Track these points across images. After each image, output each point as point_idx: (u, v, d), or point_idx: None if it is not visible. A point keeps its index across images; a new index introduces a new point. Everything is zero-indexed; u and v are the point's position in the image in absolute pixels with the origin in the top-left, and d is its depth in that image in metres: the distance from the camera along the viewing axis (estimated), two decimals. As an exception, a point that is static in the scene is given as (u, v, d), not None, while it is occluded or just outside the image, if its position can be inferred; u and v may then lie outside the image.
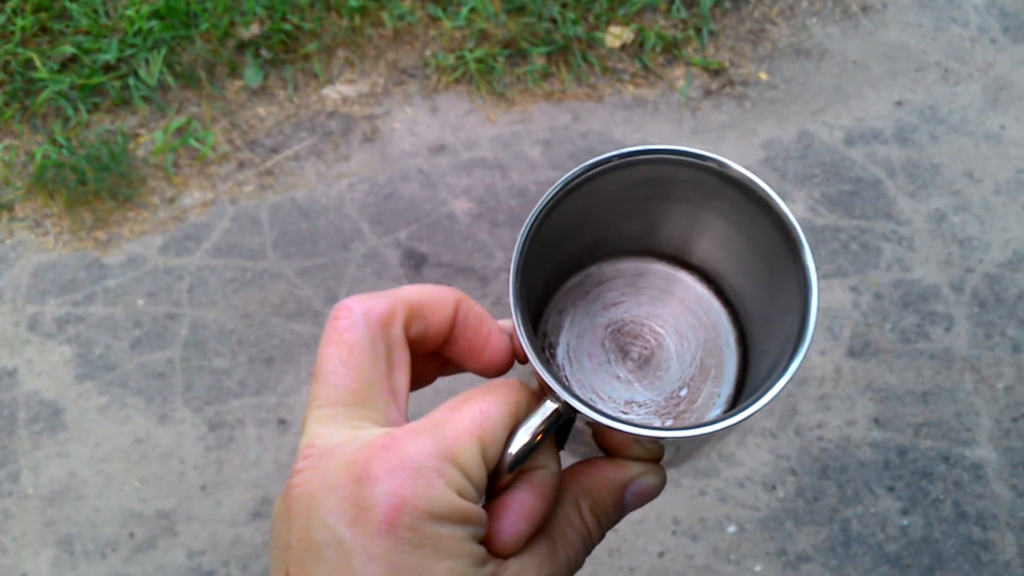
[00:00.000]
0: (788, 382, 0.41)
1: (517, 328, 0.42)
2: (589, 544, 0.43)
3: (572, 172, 0.45)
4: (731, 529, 1.69)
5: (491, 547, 0.39)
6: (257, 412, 1.80)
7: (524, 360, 0.46)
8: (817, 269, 1.85)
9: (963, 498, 1.71)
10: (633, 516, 1.69)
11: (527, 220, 0.44)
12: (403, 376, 0.43)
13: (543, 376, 0.41)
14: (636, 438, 0.42)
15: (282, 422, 1.80)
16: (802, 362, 0.41)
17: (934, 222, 2.07)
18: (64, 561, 1.64)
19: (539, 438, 0.40)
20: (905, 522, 1.68)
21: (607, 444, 0.44)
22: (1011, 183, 2.13)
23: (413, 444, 0.37)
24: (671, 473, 1.72)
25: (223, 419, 1.79)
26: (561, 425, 0.42)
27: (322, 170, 2.17)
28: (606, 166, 0.46)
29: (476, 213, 2.07)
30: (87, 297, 1.96)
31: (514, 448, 0.40)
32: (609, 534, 1.67)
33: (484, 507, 0.40)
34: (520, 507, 0.40)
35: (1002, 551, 1.66)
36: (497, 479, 0.40)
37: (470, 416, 0.39)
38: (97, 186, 2.10)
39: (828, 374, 1.85)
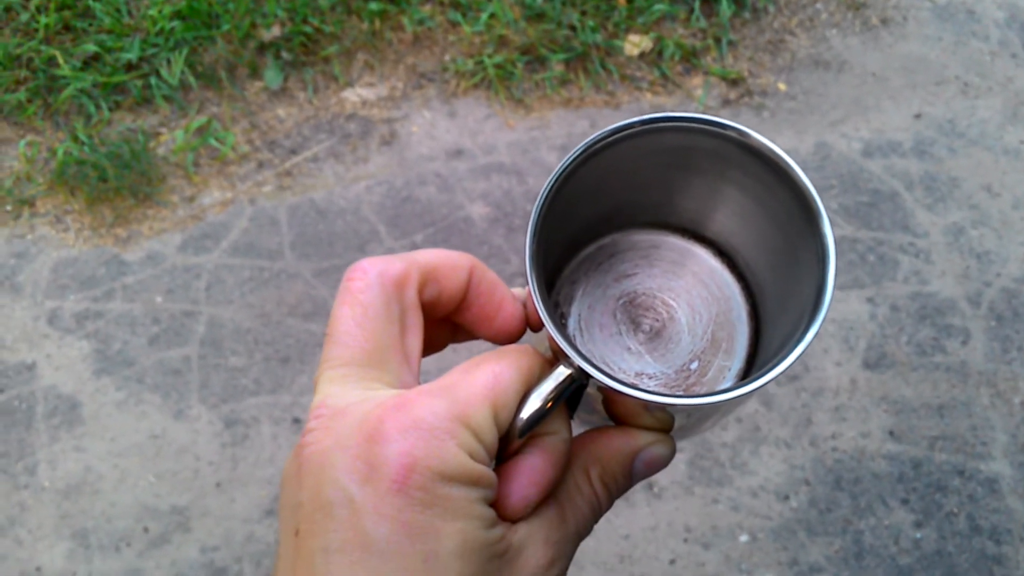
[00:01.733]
0: (802, 353, 0.41)
1: (532, 290, 0.42)
2: (598, 511, 0.43)
3: (594, 136, 0.45)
4: (743, 538, 1.68)
5: (501, 511, 0.39)
6: (272, 411, 1.81)
7: (537, 327, 0.46)
8: (837, 280, 1.84)
9: (977, 512, 1.70)
10: (645, 523, 1.68)
11: (547, 181, 0.44)
12: (416, 339, 0.43)
13: (557, 340, 0.40)
14: (647, 405, 0.42)
15: (297, 421, 1.80)
16: (816, 334, 0.41)
17: (952, 235, 2.06)
18: (79, 554, 1.65)
19: (551, 403, 0.40)
20: (919, 535, 1.68)
21: (618, 412, 0.44)
22: (1029, 198, 2.12)
23: (426, 405, 0.37)
24: (681, 463, 1.71)
25: (239, 417, 1.80)
26: (573, 391, 0.42)
27: (340, 172, 2.18)
28: (629, 131, 0.45)
29: (493, 218, 2.07)
30: (106, 293, 1.98)
31: (526, 413, 0.40)
32: (620, 540, 1.67)
33: (495, 471, 0.39)
34: (531, 472, 0.40)
35: (1016, 566, 1.66)
36: (508, 443, 0.40)
37: (483, 380, 0.39)
38: (118, 183, 2.12)
39: (843, 385, 1.85)
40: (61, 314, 1.94)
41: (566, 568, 0.41)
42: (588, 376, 0.40)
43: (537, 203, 0.44)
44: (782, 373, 0.40)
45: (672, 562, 1.66)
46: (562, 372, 0.41)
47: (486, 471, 0.37)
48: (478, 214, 2.08)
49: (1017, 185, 2.15)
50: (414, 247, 2.03)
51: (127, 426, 1.79)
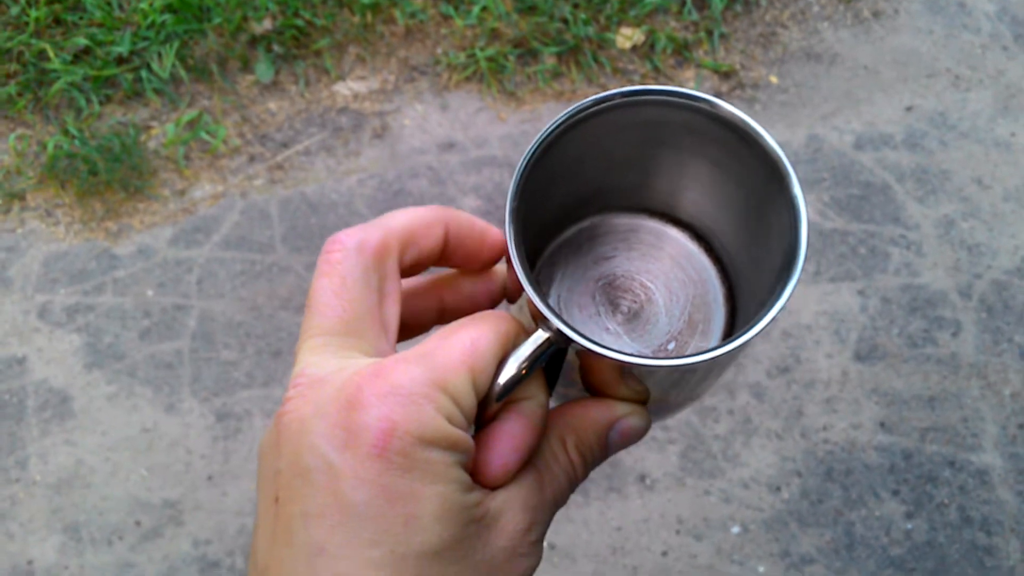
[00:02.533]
0: (777, 314, 0.41)
1: (511, 253, 0.42)
2: (573, 480, 0.43)
3: (574, 107, 0.45)
4: (735, 529, 1.69)
5: (479, 478, 0.39)
6: (264, 404, 1.81)
7: (516, 293, 0.46)
8: (824, 272, 1.84)
9: (968, 503, 1.71)
10: (637, 515, 1.69)
11: (531, 144, 0.44)
12: (394, 307, 0.43)
13: (535, 301, 0.41)
14: (621, 370, 0.43)
15: (289, 415, 1.80)
16: (788, 298, 0.41)
17: (943, 228, 2.07)
18: (70, 548, 1.65)
19: (527, 368, 0.40)
20: (909, 526, 1.69)
21: (594, 382, 0.44)
22: (1020, 190, 2.13)
23: (404, 371, 0.37)
24: (673, 454, 1.71)
25: (230, 410, 1.80)
26: (551, 358, 0.42)
27: (332, 165, 2.18)
28: (610, 103, 0.46)
29: (485, 211, 2.07)
30: (97, 287, 1.97)
31: (503, 377, 0.40)
32: (613, 532, 1.68)
33: (473, 438, 0.40)
34: (509, 438, 0.40)
35: (1006, 556, 1.66)
36: (486, 408, 0.40)
37: (460, 345, 0.39)
38: (108, 177, 2.11)
39: (835, 377, 1.85)
40: (52, 308, 1.94)
41: (543, 535, 0.41)
42: (567, 339, 0.40)
43: (520, 164, 0.44)
44: (754, 337, 0.41)
45: (664, 554, 1.66)
46: (540, 336, 0.41)
47: (464, 436, 0.38)
48: (470, 207, 2.08)
49: (1008, 177, 2.15)
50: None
51: (118, 420, 1.79)
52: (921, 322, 1.92)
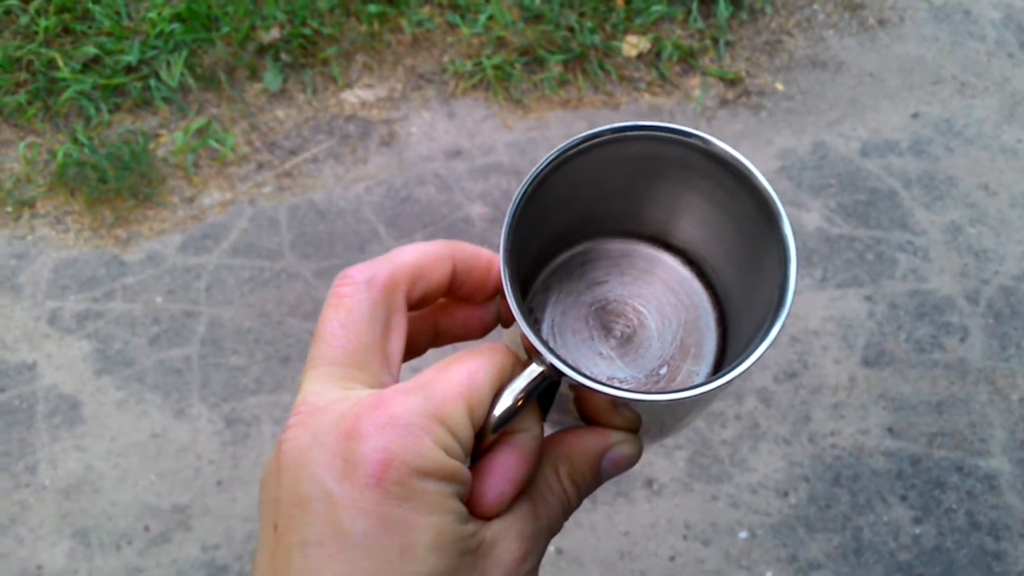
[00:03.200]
0: (766, 350, 0.42)
1: (505, 288, 0.43)
2: (567, 508, 0.44)
3: (567, 143, 0.46)
4: (743, 535, 1.69)
5: (475, 509, 0.40)
6: (273, 410, 1.81)
7: (509, 323, 0.47)
8: (831, 278, 1.84)
9: (976, 508, 1.71)
10: (645, 520, 1.69)
11: (521, 184, 0.45)
12: (398, 342, 0.44)
13: (529, 337, 0.41)
14: (615, 403, 0.43)
15: (297, 420, 1.81)
16: (779, 332, 0.42)
17: (950, 233, 2.07)
18: (80, 553, 1.65)
19: (523, 400, 0.41)
20: (918, 531, 1.68)
21: (587, 411, 0.45)
22: (1026, 196, 2.13)
23: (403, 403, 0.38)
24: (681, 460, 1.71)
25: (239, 416, 1.80)
26: (545, 390, 0.43)
27: (340, 173, 2.19)
28: (600, 139, 0.47)
29: (491, 217, 2.08)
30: (107, 294, 1.98)
31: (499, 410, 0.41)
32: (621, 537, 1.68)
33: (469, 469, 0.40)
34: (504, 470, 0.40)
35: (1015, 562, 1.66)
36: (482, 440, 0.41)
37: (458, 377, 0.39)
38: (118, 185, 2.12)
39: (842, 383, 1.85)
40: (62, 314, 1.95)
41: (537, 564, 0.41)
42: (559, 373, 0.41)
43: (512, 204, 0.45)
44: (743, 373, 0.42)
45: (672, 559, 1.66)
46: (534, 369, 0.42)
47: (461, 467, 0.38)
48: (477, 214, 2.09)
49: (1014, 183, 2.15)
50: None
51: (128, 425, 1.80)
52: (929, 327, 1.93)
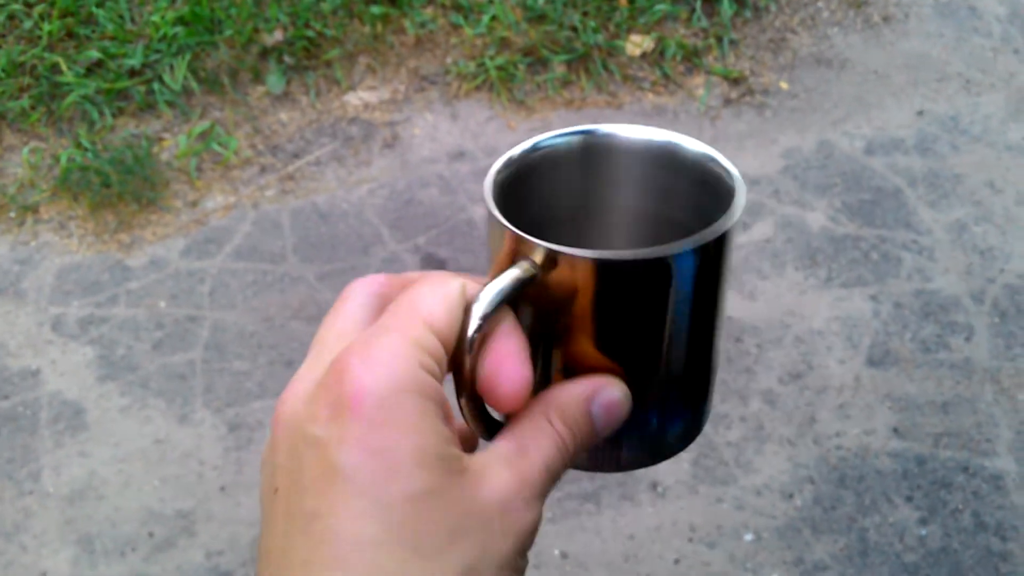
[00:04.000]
0: (740, 214, 0.42)
1: (488, 199, 0.44)
2: (563, 450, 0.42)
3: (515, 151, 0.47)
4: (748, 537, 1.68)
5: (498, 403, 0.40)
6: (276, 414, 1.81)
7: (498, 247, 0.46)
8: (836, 278, 1.83)
9: (982, 509, 1.70)
10: (649, 523, 1.68)
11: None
12: None
13: (512, 229, 0.42)
14: (623, 270, 0.42)
15: (301, 425, 1.81)
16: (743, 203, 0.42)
17: (955, 232, 2.06)
18: (84, 560, 1.65)
19: (495, 306, 0.41)
20: (923, 532, 1.68)
21: (572, 325, 0.44)
22: (1033, 194, 2.12)
23: (375, 338, 0.38)
24: (685, 462, 1.71)
25: (243, 421, 1.80)
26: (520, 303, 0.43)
27: (343, 175, 2.19)
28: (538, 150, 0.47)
29: (495, 219, 2.08)
30: (110, 299, 1.98)
31: (477, 313, 0.40)
32: (625, 540, 1.67)
33: (471, 386, 0.41)
34: (504, 352, 0.41)
35: (1022, 562, 1.65)
36: (461, 357, 0.41)
37: (425, 301, 0.40)
38: (121, 189, 2.13)
39: (847, 383, 1.84)
40: (65, 320, 1.95)
41: (537, 496, 0.40)
42: (550, 258, 0.41)
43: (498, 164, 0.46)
44: (735, 224, 0.41)
45: (677, 561, 1.66)
46: (511, 272, 0.41)
47: (437, 385, 0.39)
48: (480, 216, 2.08)
49: (1020, 181, 2.14)
50: (417, 249, 2.04)
51: (131, 431, 1.80)
52: (934, 327, 1.91)
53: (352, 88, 2.36)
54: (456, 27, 2.43)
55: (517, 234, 0.41)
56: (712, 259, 0.42)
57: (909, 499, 1.71)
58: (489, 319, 0.41)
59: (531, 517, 0.40)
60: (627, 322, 0.44)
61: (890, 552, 1.66)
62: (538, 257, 0.41)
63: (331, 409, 0.37)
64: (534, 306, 0.43)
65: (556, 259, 0.41)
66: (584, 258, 0.40)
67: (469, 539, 0.37)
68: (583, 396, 0.43)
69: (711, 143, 2.22)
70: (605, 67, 2.36)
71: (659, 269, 0.42)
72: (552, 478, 0.42)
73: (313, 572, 0.35)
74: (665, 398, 0.47)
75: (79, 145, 2.19)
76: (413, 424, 0.37)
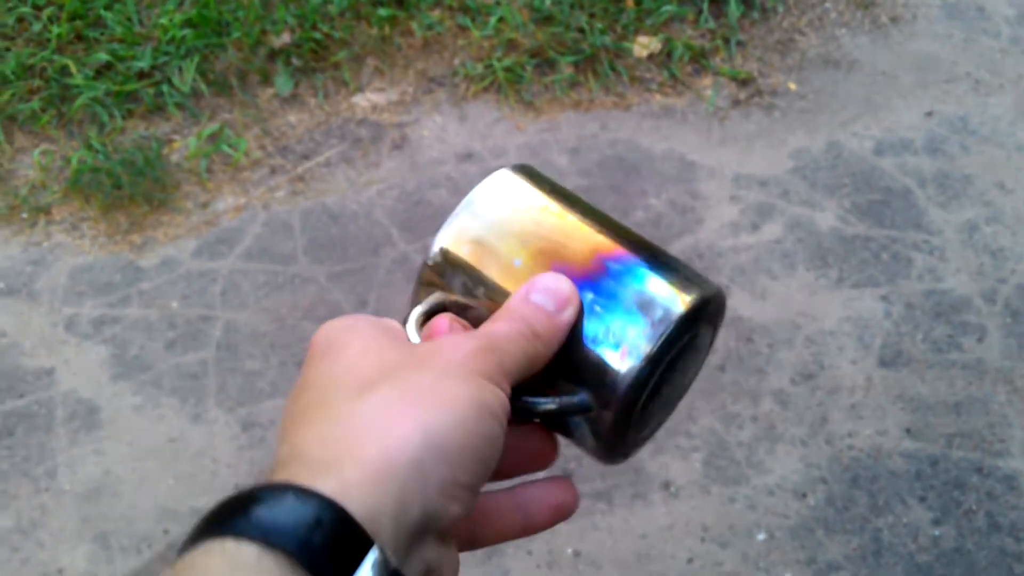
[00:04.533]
0: None
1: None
2: (525, 334, 0.44)
3: None
4: (761, 536, 1.68)
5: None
6: (289, 414, 1.82)
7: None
8: (847, 279, 1.83)
9: (996, 509, 1.70)
10: (661, 522, 1.69)
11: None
12: None
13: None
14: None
15: (313, 425, 1.81)
16: None
17: (966, 232, 2.06)
18: (100, 556, 1.66)
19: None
20: (937, 532, 1.68)
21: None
22: (1042, 194, 2.12)
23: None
24: (697, 462, 1.71)
25: (255, 420, 1.81)
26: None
27: (352, 176, 2.19)
28: None
29: (506, 220, 2.08)
30: (123, 299, 1.99)
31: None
32: (638, 540, 1.67)
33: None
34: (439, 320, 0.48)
35: (1035, 562, 1.65)
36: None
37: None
38: (132, 190, 2.13)
39: (859, 383, 1.85)
40: (78, 320, 1.96)
41: (503, 382, 0.42)
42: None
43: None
44: None
45: (690, 561, 1.66)
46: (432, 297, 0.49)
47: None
48: (491, 216, 2.09)
49: (1030, 181, 2.15)
50: (426, 250, 2.04)
51: (145, 430, 1.80)
52: (945, 327, 1.92)
53: (360, 90, 2.37)
54: (463, 29, 2.44)
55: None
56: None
57: (922, 499, 1.71)
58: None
59: (490, 385, 0.41)
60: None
61: (903, 552, 1.66)
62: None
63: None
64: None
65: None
66: None
67: (439, 358, 0.41)
68: (520, 295, 0.45)
69: (720, 144, 2.23)
70: (613, 68, 2.37)
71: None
72: (519, 360, 0.43)
73: (330, 394, 0.40)
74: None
75: (90, 147, 2.19)
76: (373, 326, 0.44)
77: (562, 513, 0.47)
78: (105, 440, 1.79)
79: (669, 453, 1.76)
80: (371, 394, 0.39)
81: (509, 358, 0.42)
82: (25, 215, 2.14)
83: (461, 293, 0.48)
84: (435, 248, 0.49)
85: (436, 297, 0.48)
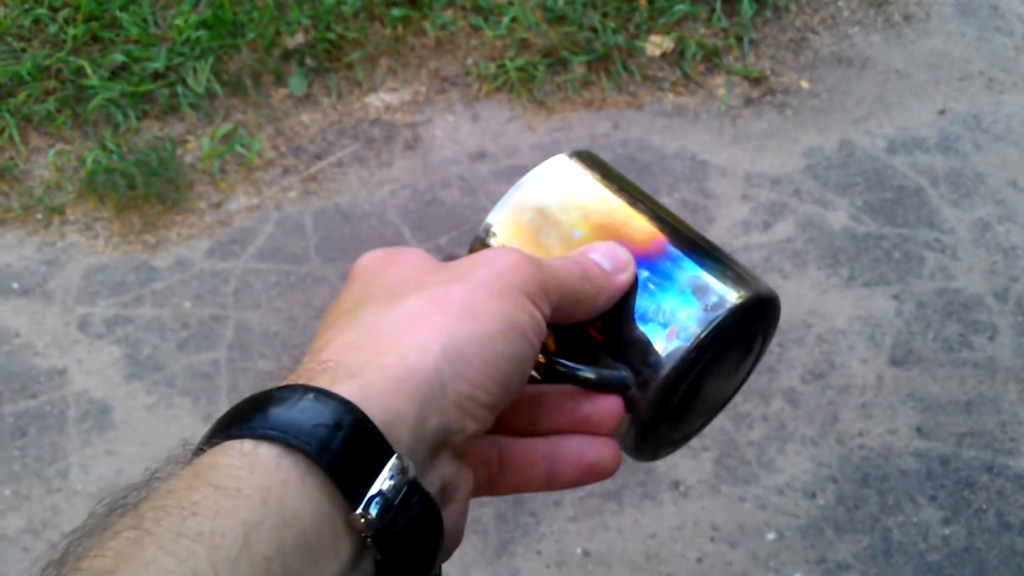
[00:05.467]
0: None
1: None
2: (575, 273, 0.42)
3: None
4: (770, 536, 1.68)
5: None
6: (300, 413, 1.83)
7: None
8: (858, 277, 1.82)
9: (1007, 508, 1.69)
10: (671, 522, 1.69)
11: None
12: None
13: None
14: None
15: (324, 424, 1.82)
16: None
17: (978, 231, 2.05)
18: (112, 556, 1.67)
19: None
20: (947, 532, 1.67)
21: None
22: (1057, 192, 2.11)
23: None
24: (707, 461, 1.71)
25: (267, 419, 1.82)
26: None
27: (365, 176, 2.20)
28: None
29: (517, 219, 2.08)
30: (135, 299, 2.00)
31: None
32: (647, 539, 1.68)
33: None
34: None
35: (1047, 563, 1.64)
36: None
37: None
38: (146, 191, 2.15)
39: (870, 382, 1.84)
40: (91, 320, 1.97)
41: (544, 304, 0.40)
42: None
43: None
44: None
45: (699, 560, 1.66)
46: None
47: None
48: (501, 216, 2.09)
49: (1044, 180, 2.13)
50: (439, 249, 2.05)
51: (158, 430, 1.82)
52: (957, 326, 1.91)
53: (373, 90, 2.38)
54: (476, 29, 2.44)
55: None
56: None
57: (933, 499, 1.71)
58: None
59: (527, 302, 0.39)
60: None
61: (913, 552, 1.66)
62: None
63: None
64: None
65: None
66: None
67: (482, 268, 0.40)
68: (577, 251, 0.44)
69: (732, 143, 2.22)
70: (625, 68, 2.36)
71: None
72: (564, 289, 0.41)
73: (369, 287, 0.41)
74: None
75: (104, 147, 2.21)
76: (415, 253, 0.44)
77: (595, 473, 0.44)
78: (117, 440, 1.81)
79: (679, 452, 1.76)
80: (400, 303, 0.38)
81: (554, 283, 0.41)
82: (39, 215, 2.16)
83: None
84: (495, 214, 0.48)
85: None
